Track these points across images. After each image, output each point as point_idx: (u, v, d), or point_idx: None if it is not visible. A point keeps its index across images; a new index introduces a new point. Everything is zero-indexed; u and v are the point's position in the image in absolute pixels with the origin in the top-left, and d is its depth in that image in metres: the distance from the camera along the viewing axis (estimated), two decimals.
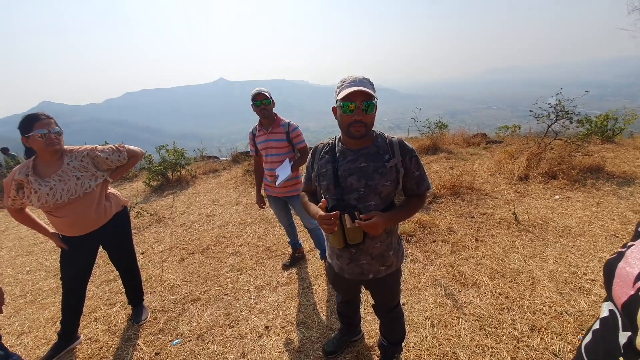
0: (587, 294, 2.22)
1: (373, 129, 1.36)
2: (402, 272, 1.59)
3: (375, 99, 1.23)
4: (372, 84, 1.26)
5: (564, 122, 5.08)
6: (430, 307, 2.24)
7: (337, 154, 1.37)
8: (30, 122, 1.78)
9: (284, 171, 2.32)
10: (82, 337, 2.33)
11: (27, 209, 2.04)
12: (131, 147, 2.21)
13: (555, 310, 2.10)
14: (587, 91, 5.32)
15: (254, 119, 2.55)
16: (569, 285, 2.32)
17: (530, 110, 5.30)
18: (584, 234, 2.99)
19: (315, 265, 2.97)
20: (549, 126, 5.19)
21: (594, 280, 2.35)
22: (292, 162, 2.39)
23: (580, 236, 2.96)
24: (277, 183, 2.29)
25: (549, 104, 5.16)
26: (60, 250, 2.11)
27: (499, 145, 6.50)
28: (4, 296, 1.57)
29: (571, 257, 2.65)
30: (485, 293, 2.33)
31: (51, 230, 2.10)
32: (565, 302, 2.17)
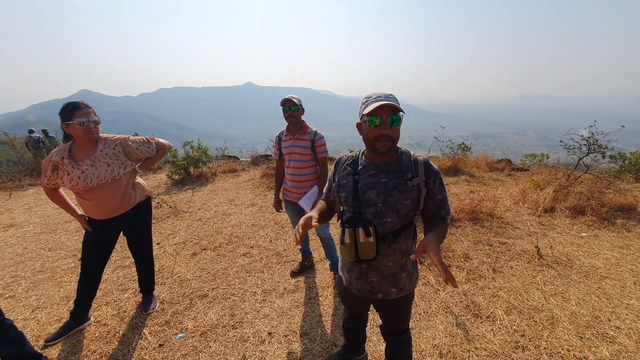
0: (610, 342, 2.07)
1: (398, 146, 1.36)
2: (414, 296, 1.54)
3: (401, 113, 1.23)
4: (396, 99, 1.26)
5: (595, 156, 4.86)
6: (439, 335, 2.16)
7: (359, 167, 1.38)
8: (71, 110, 1.89)
9: (309, 200, 2.46)
10: (92, 319, 2.40)
11: (60, 190, 2.16)
12: (160, 140, 2.30)
13: (574, 356, 1.97)
14: (623, 126, 5.09)
15: (277, 124, 2.61)
16: (591, 330, 2.18)
17: (561, 141, 5.11)
18: (610, 276, 2.81)
19: (324, 275, 2.94)
20: (580, 159, 4.98)
21: (619, 327, 2.19)
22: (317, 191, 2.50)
23: (607, 278, 2.78)
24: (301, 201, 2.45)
25: (581, 135, 4.97)
26: (83, 232, 2.20)
27: (524, 174, 6.27)
28: None
29: (595, 300, 2.49)
30: (499, 328, 2.22)
31: (79, 212, 2.21)
32: (585, 347, 2.03)
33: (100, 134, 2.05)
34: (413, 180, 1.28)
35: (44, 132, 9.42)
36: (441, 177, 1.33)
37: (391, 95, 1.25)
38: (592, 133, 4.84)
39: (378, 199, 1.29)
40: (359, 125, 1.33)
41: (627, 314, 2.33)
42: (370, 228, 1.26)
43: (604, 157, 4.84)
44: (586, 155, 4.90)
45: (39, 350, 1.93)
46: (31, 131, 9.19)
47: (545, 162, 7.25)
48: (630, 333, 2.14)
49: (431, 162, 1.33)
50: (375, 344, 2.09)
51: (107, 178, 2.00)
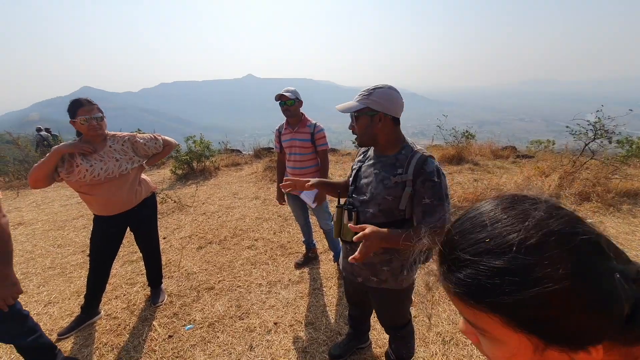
0: None
1: (408, 141, 1.34)
2: (413, 298, 1.53)
3: (355, 113, 1.29)
4: (369, 93, 1.25)
5: (602, 142, 4.78)
6: (442, 323, 2.19)
7: (368, 156, 1.45)
8: (74, 108, 1.91)
9: (311, 192, 2.42)
10: (102, 312, 2.46)
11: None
12: (166, 137, 2.33)
13: None
14: (631, 110, 4.98)
15: (278, 116, 2.59)
16: None
17: (567, 126, 5.02)
18: None
19: (327, 266, 2.97)
20: (586, 144, 4.90)
21: None
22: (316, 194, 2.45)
23: None
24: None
25: (588, 120, 4.88)
26: (91, 228, 2.24)
27: (530, 160, 6.20)
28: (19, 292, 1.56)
29: None
30: None
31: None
32: None
33: (109, 132, 2.08)
34: (397, 177, 1.25)
35: (47, 130, 9.49)
36: (435, 180, 1.19)
37: (365, 90, 1.28)
38: (598, 118, 4.75)
39: (367, 189, 1.34)
40: None
41: None
42: (353, 213, 1.32)
43: (610, 142, 4.76)
44: (592, 141, 4.82)
45: None
46: (39, 129, 9.25)
47: (552, 149, 7.15)
48: None
49: (429, 163, 1.22)
50: (379, 332, 2.13)
51: (115, 172, 2.03)
